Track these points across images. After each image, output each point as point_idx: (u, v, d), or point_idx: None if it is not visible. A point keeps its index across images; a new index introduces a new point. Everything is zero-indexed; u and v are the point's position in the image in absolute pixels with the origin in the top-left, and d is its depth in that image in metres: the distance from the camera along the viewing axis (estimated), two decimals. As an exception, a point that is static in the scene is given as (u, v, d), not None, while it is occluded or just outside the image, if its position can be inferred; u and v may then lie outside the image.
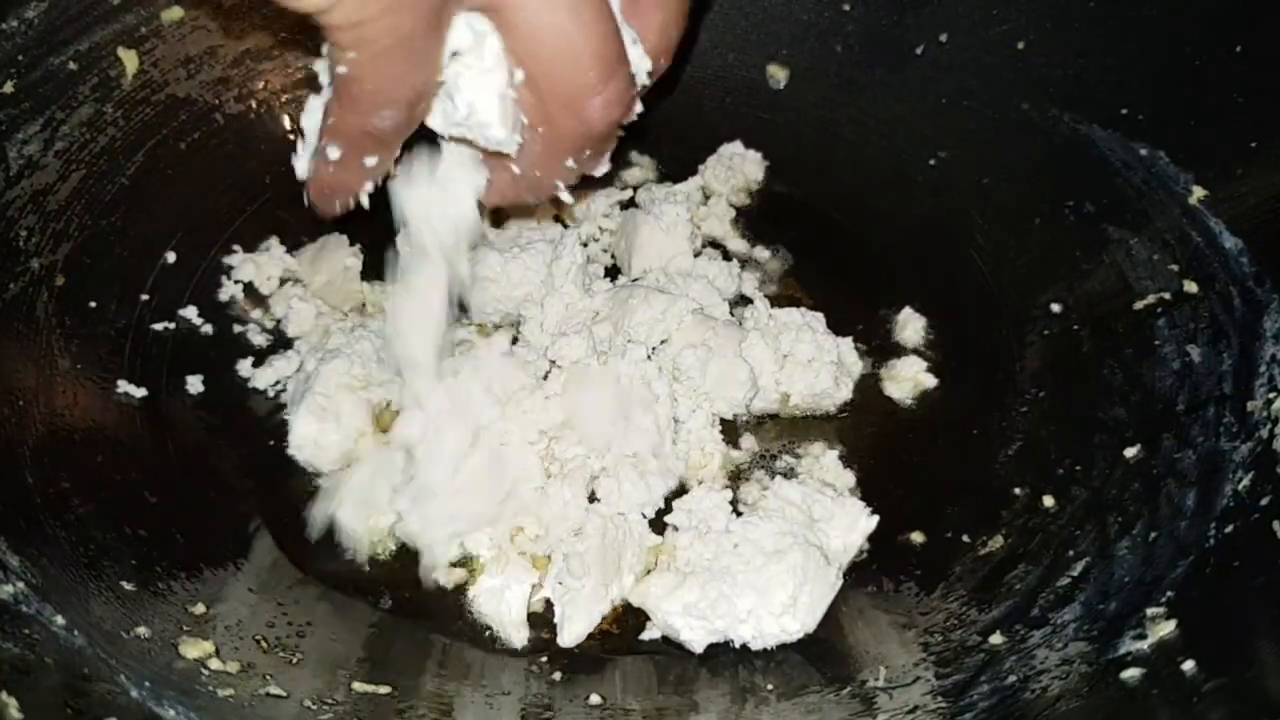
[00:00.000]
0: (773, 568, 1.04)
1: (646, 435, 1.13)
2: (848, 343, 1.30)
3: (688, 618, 1.05)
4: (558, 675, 1.03)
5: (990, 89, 1.43)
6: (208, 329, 1.29)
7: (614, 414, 1.14)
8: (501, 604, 1.06)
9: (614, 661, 1.06)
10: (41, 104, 1.23)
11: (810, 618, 1.05)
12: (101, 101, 1.29)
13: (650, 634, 1.07)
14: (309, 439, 1.16)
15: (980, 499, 1.17)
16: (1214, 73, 1.24)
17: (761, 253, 1.44)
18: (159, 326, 1.26)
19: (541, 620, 1.08)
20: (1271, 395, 1.05)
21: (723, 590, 1.04)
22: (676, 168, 1.53)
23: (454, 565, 1.10)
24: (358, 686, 0.99)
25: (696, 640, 1.05)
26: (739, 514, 1.12)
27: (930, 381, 1.29)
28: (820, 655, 1.05)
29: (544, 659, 1.05)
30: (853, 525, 1.11)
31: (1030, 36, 1.39)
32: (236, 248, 1.35)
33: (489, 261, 1.17)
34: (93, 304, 1.21)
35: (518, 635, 1.06)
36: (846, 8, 1.50)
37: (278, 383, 1.25)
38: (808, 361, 1.24)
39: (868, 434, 1.25)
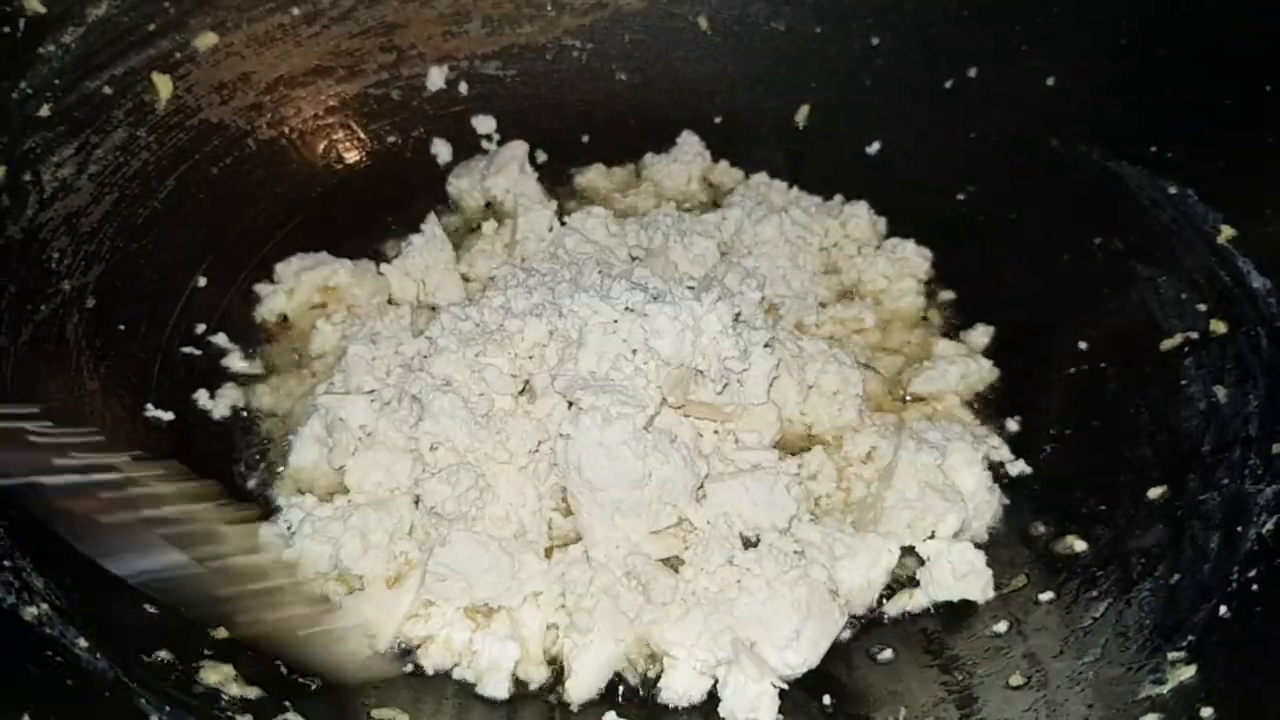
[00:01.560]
0: (776, 602, 1.04)
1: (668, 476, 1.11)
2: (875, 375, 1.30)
3: (691, 649, 1.04)
4: (574, 707, 1.03)
5: (1019, 125, 1.43)
6: (236, 353, 1.30)
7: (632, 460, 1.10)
8: (518, 643, 1.06)
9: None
10: (76, 128, 1.24)
11: (813, 653, 1.04)
12: (135, 126, 1.30)
13: (656, 667, 1.07)
14: (307, 463, 1.18)
15: (1003, 537, 1.17)
16: (1244, 112, 1.23)
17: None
18: (188, 350, 1.27)
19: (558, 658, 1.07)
20: (1297, 439, 1.04)
21: (726, 622, 1.04)
22: (705, 198, 1.55)
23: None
24: (375, 713, 1.00)
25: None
26: (754, 545, 1.11)
27: (966, 417, 1.28)
28: (836, 692, 1.04)
29: (561, 689, 1.05)
30: (875, 562, 1.11)
31: (1060, 73, 1.39)
32: (265, 275, 1.37)
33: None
34: (122, 326, 1.23)
35: (537, 673, 1.06)
36: (875, 42, 1.51)
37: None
38: (833, 394, 1.24)
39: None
